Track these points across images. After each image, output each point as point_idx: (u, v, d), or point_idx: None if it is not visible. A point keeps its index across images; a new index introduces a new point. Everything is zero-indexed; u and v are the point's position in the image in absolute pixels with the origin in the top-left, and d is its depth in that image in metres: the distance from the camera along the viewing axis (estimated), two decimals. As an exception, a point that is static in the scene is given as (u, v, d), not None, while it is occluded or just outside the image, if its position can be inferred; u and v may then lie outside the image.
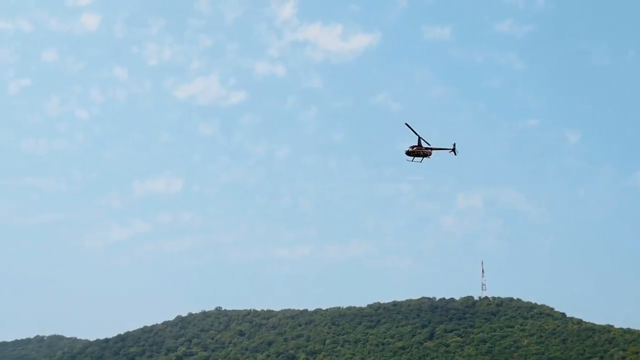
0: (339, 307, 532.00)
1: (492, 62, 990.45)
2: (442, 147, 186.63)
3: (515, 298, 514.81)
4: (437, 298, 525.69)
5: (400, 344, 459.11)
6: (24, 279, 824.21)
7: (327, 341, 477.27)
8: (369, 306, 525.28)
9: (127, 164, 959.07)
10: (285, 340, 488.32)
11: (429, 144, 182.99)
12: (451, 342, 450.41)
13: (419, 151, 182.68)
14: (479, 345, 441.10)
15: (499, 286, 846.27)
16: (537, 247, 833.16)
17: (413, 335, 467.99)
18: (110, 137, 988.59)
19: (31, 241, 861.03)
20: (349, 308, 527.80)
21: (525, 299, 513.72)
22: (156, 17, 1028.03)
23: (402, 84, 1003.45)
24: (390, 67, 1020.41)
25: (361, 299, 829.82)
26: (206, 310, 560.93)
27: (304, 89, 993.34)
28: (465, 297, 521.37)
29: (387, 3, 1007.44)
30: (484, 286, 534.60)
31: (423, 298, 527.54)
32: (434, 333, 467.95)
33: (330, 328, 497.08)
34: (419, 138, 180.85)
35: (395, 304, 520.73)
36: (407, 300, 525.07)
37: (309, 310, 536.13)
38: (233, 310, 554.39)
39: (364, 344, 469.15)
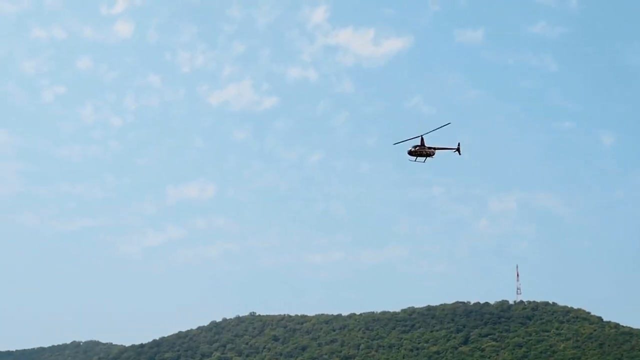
0: (373, 312, 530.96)
1: (526, 64, 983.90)
2: (447, 146, 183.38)
3: (550, 302, 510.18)
4: (472, 302, 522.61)
5: (434, 348, 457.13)
6: (60, 285, 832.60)
7: (361, 346, 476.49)
8: (403, 311, 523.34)
9: (161, 170, 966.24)
10: (319, 345, 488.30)
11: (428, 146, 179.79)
12: (486, 346, 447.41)
13: (421, 151, 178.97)
14: (514, 349, 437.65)
15: (534, 290, 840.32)
16: (573, 250, 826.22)
17: (448, 340, 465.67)
18: (144, 143, 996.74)
19: (67, 247, 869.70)
20: (383, 313, 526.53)
21: (561, 303, 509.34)
22: (188, 24, 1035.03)
23: (435, 87, 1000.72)
24: (422, 70, 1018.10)
25: (395, 304, 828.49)
26: (240, 316, 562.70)
27: (336, 94, 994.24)
28: (500, 301, 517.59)
29: (419, 7, 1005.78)
30: (518, 290, 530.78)
31: (457, 302, 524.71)
32: (468, 337, 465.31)
33: (364, 333, 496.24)
34: (422, 137, 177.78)
35: (429, 308, 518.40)
36: (441, 305, 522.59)
37: (343, 315, 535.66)
38: (267, 316, 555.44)
39: (398, 348, 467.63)
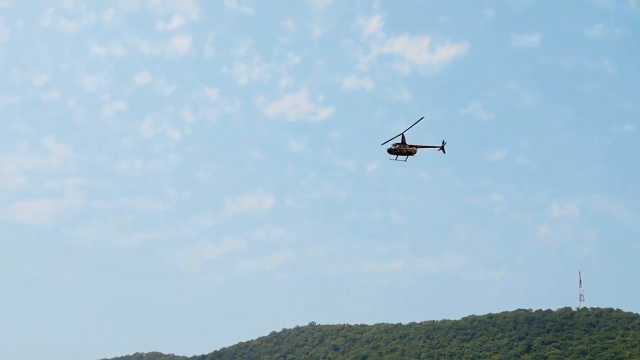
0: (434, 321, 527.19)
1: (584, 68, 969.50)
2: (430, 144, 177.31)
3: (615, 309, 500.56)
4: (534, 309, 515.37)
5: (496, 357, 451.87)
6: (122, 298, 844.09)
7: (422, 355, 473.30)
8: (464, 319, 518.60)
9: (219, 182, 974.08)
10: (380, 354, 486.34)
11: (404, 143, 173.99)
12: (549, 354, 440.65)
13: (402, 149, 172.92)
14: (578, 357, 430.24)
15: (598, 296, 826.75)
16: (636, 255, 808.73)
17: (510, 348, 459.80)
18: (202, 156, 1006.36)
19: (127, 260, 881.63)
20: (444, 321, 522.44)
21: (625, 309, 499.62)
22: (244, 36, 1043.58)
23: (492, 93, 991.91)
24: (478, 76, 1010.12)
25: (456, 312, 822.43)
26: (300, 326, 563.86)
27: (392, 102, 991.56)
28: (562, 308, 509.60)
29: (473, 13, 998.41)
30: (581, 297, 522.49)
31: (519, 310, 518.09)
32: (531, 345, 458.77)
33: (425, 342, 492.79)
34: (402, 135, 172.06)
35: (490, 316, 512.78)
36: (502, 312, 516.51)
37: (403, 324, 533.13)
38: (327, 325, 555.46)
39: (459, 357, 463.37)
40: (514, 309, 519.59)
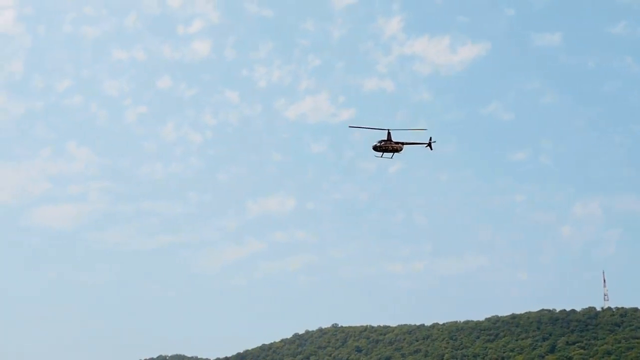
0: (456, 321, 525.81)
1: (606, 66, 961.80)
2: (417, 141, 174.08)
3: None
4: (558, 310, 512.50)
5: (520, 357, 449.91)
6: (145, 300, 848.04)
7: (446, 356, 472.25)
8: (487, 319, 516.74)
9: (240, 184, 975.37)
10: (403, 355, 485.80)
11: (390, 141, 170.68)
12: (574, 354, 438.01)
13: (387, 146, 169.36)
14: (603, 357, 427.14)
15: (622, 296, 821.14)
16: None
17: (534, 349, 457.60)
18: (224, 159, 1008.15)
19: (151, 263, 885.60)
20: (467, 322, 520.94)
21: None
22: (264, 39, 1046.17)
23: (513, 93, 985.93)
24: (499, 76, 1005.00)
25: (478, 313, 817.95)
26: (323, 327, 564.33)
27: (413, 103, 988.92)
28: (586, 308, 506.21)
29: (493, 12, 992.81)
30: (606, 296, 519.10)
31: (543, 310, 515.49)
32: (555, 346, 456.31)
33: (448, 343, 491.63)
34: (388, 132, 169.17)
35: (514, 316, 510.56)
36: (526, 313, 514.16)
37: (425, 325, 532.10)
38: (349, 327, 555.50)
39: (483, 358, 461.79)
40: (538, 309, 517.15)
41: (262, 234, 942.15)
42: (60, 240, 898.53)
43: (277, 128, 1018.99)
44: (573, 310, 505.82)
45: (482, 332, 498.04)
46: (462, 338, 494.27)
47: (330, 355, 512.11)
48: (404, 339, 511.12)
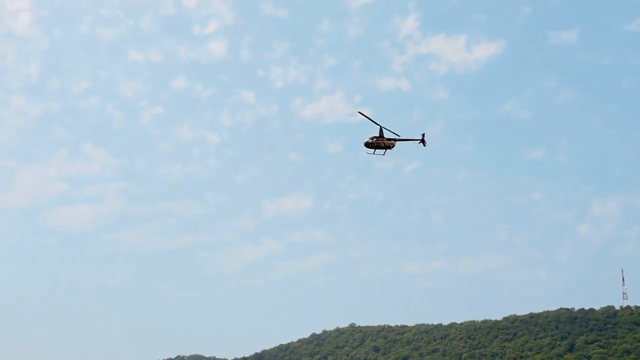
0: (474, 321, 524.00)
1: (623, 63, 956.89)
2: (409, 137, 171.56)
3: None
4: (576, 308, 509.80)
5: (539, 357, 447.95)
6: (163, 301, 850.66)
7: (464, 355, 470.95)
8: (505, 319, 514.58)
9: (257, 184, 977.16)
10: (421, 355, 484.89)
11: (397, 134, 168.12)
12: (593, 353, 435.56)
13: (379, 142, 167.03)
14: (622, 356, 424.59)
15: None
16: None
17: (552, 348, 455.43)
18: (241, 159, 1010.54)
19: (167, 264, 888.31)
20: (485, 321, 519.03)
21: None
22: (280, 39, 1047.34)
23: (530, 91, 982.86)
24: (516, 74, 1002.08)
25: (496, 312, 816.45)
26: (340, 327, 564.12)
27: (429, 102, 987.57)
28: (605, 307, 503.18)
29: (510, 10, 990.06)
30: (625, 295, 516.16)
31: (561, 309, 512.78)
32: (574, 345, 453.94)
33: (466, 342, 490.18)
34: (381, 128, 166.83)
35: (532, 315, 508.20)
36: (544, 312, 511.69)
37: (443, 324, 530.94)
38: (367, 327, 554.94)
39: (501, 357, 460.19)
40: (556, 308, 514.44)
41: (279, 234, 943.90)
42: (77, 241, 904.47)
43: (293, 128, 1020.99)
44: (592, 309, 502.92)
45: (500, 331, 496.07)
46: (479, 337, 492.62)
47: (347, 355, 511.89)
48: (422, 339, 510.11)
